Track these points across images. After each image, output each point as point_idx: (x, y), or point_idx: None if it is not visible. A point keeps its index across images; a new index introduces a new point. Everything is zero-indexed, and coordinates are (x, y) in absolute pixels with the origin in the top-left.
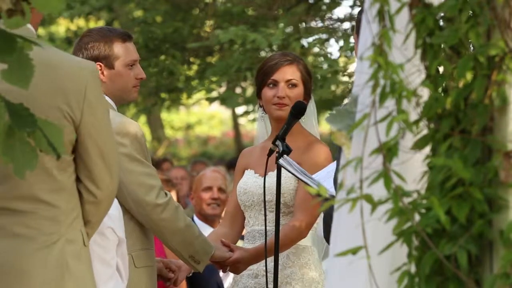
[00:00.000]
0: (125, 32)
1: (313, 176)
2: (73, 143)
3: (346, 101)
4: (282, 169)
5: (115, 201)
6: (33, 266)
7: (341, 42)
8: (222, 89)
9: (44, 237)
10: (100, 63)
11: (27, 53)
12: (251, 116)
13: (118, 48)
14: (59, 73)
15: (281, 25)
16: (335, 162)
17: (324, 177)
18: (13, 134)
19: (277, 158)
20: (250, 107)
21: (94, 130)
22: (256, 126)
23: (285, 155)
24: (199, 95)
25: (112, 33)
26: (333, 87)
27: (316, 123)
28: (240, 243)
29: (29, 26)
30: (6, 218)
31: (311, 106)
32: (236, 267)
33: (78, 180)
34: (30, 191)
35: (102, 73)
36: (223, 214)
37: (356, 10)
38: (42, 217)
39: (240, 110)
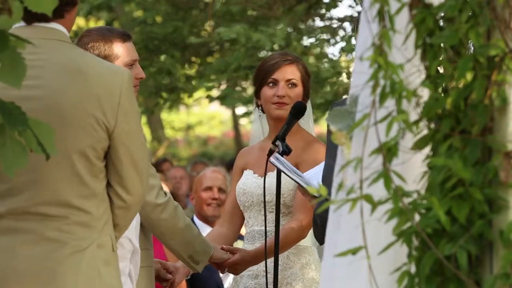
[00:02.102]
0: (124, 32)
1: (304, 174)
2: (105, 149)
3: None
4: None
5: None
6: (66, 271)
7: (342, 43)
8: (222, 88)
9: (76, 242)
10: None
11: (19, 52)
12: (252, 117)
13: (118, 48)
14: (91, 80)
15: (281, 25)
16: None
17: (314, 176)
18: (4, 132)
19: (269, 156)
20: (250, 107)
21: (127, 137)
22: (251, 126)
23: (276, 154)
24: (199, 93)
25: (112, 33)
26: (334, 88)
27: (313, 124)
28: (240, 244)
29: (64, 30)
30: (37, 222)
31: (308, 107)
32: (235, 268)
33: (108, 184)
34: (61, 196)
35: None
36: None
37: (357, 10)
38: (75, 222)
39: (240, 110)
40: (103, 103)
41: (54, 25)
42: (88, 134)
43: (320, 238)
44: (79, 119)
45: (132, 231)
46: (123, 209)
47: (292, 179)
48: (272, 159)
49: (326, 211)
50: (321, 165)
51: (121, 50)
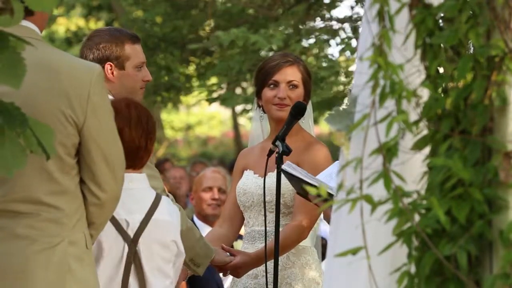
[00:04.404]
0: (133, 34)
1: (317, 177)
2: (76, 146)
3: (346, 101)
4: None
5: (179, 213)
6: (35, 268)
7: (342, 43)
8: (222, 91)
9: (47, 239)
10: (111, 63)
11: (19, 52)
12: (250, 114)
13: (129, 50)
14: (62, 76)
15: (281, 27)
16: (336, 163)
17: (325, 179)
18: (3, 133)
19: (278, 161)
20: (249, 105)
21: (97, 133)
22: (251, 126)
23: (288, 162)
24: (200, 95)
25: (122, 34)
26: (334, 88)
27: (312, 125)
28: (239, 243)
29: (34, 27)
30: (8, 220)
31: (308, 108)
32: (237, 271)
33: (82, 182)
34: (31, 193)
35: (112, 73)
36: None
37: (356, 11)
38: (45, 219)
39: (239, 108)
40: (72, 99)
41: (24, 22)
42: (57, 130)
43: None
44: (48, 115)
45: (178, 234)
46: (97, 206)
47: (307, 182)
48: (284, 166)
49: None
50: (330, 169)
51: (131, 52)
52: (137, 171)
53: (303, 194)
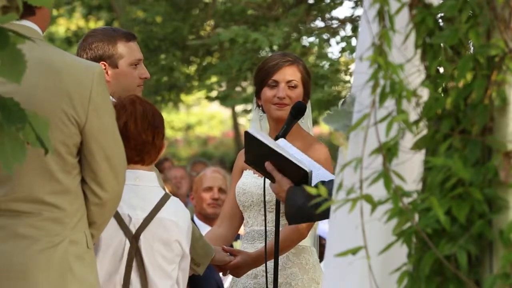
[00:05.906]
0: (128, 32)
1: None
2: (78, 145)
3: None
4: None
5: (187, 214)
6: (36, 267)
7: (342, 44)
8: (222, 89)
9: (48, 238)
10: (105, 63)
11: (19, 48)
12: (250, 115)
13: (122, 48)
14: (63, 76)
15: (282, 26)
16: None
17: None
18: (2, 129)
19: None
20: (249, 106)
21: (99, 132)
22: (250, 125)
23: (254, 126)
24: (199, 94)
25: (116, 32)
26: (334, 87)
27: (311, 125)
28: (239, 243)
29: (36, 27)
30: (9, 219)
31: (307, 108)
32: (237, 271)
33: (83, 181)
34: (33, 193)
35: (107, 72)
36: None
37: (357, 11)
38: (47, 219)
39: (239, 108)
40: (74, 99)
41: (26, 22)
42: (59, 129)
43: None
44: (50, 115)
45: (184, 235)
46: (98, 206)
47: (273, 149)
48: (251, 130)
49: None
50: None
51: (125, 50)
52: (146, 167)
53: (251, 164)
